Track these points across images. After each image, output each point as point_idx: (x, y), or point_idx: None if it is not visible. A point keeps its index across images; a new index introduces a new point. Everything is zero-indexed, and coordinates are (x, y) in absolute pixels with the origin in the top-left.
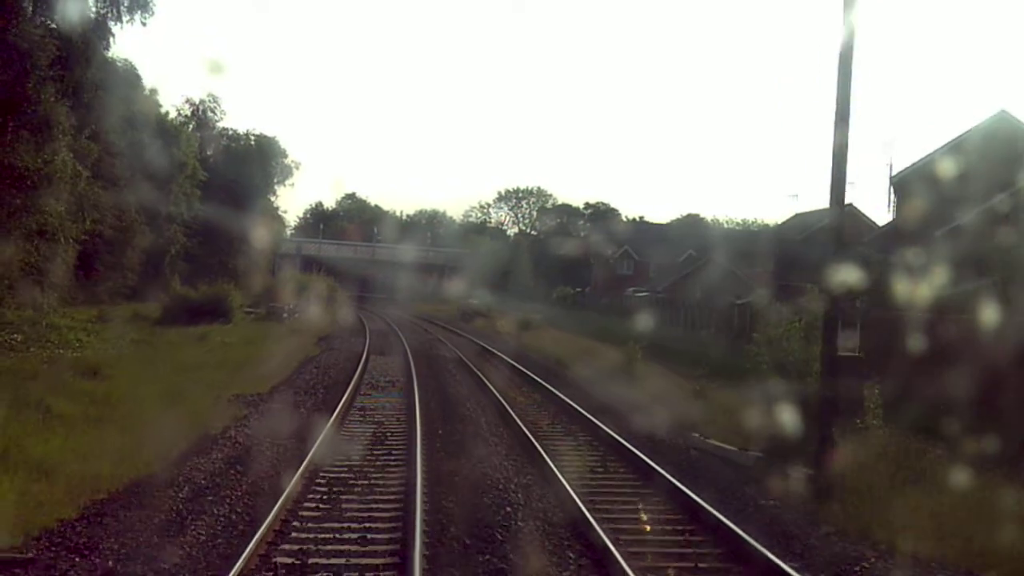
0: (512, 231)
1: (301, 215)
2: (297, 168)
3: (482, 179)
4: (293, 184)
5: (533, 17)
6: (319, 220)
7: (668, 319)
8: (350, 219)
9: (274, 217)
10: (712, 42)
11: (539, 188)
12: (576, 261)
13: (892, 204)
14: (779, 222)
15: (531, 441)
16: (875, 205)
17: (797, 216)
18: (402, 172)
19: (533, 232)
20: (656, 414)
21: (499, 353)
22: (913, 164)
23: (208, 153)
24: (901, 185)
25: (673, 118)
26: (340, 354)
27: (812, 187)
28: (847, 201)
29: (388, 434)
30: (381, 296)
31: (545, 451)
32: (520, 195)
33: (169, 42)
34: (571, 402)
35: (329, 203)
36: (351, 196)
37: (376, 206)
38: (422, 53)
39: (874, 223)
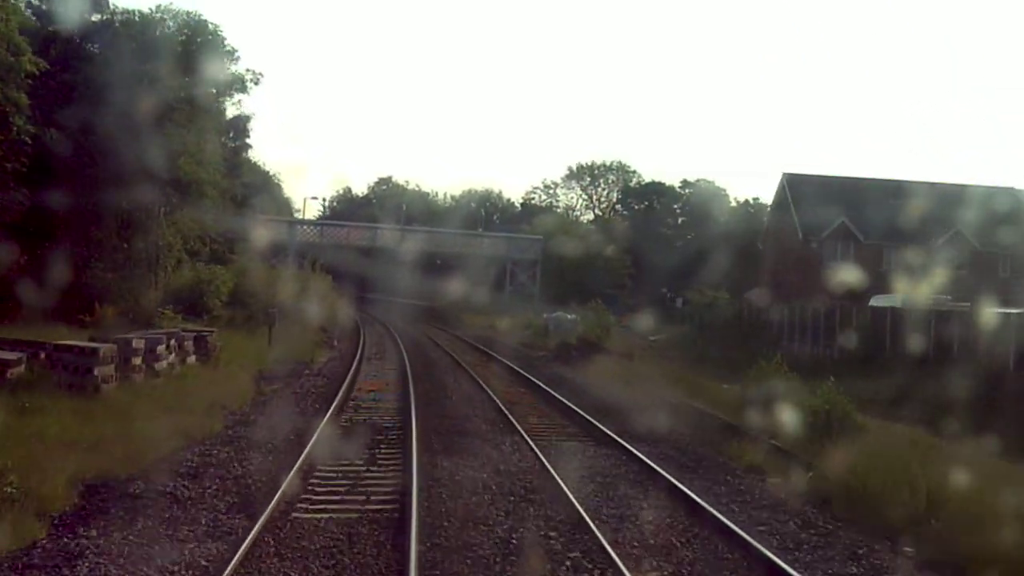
0: (586, 216)
1: (327, 201)
2: (256, 83)
3: (545, 159)
4: (239, 103)
5: None
6: (349, 208)
7: None
8: (382, 206)
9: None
10: None
11: (619, 163)
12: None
13: None
14: None
15: None
16: None
17: None
18: (446, 154)
19: (614, 216)
20: None
21: None
22: None
23: (90, 46)
24: None
25: (785, 73)
26: None
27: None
28: None
29: None
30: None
31: None
32: (596, 171)
33: None
34: None
35: (360, 188)
36: (386, 181)
37: (416, 187)
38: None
39: None
